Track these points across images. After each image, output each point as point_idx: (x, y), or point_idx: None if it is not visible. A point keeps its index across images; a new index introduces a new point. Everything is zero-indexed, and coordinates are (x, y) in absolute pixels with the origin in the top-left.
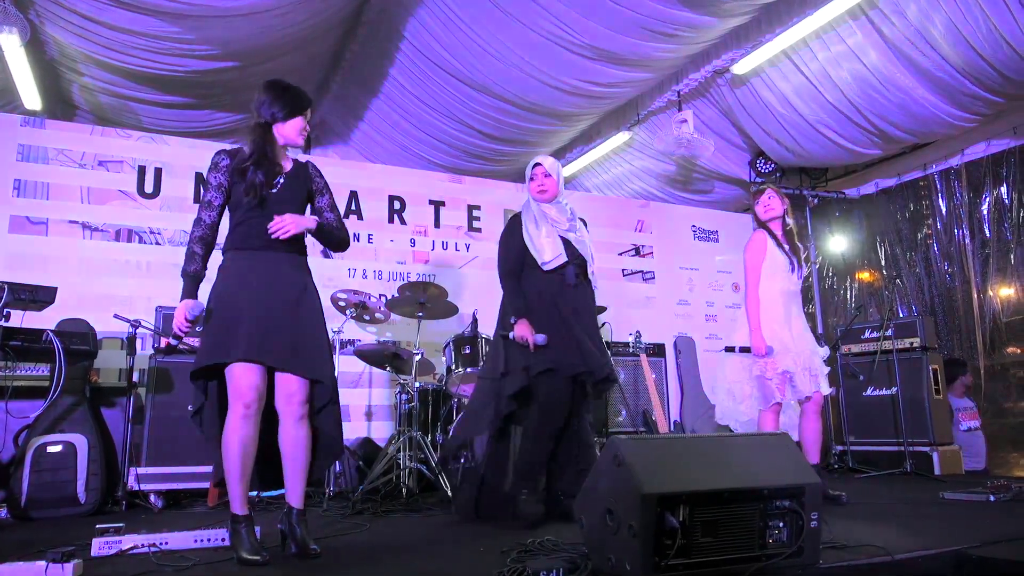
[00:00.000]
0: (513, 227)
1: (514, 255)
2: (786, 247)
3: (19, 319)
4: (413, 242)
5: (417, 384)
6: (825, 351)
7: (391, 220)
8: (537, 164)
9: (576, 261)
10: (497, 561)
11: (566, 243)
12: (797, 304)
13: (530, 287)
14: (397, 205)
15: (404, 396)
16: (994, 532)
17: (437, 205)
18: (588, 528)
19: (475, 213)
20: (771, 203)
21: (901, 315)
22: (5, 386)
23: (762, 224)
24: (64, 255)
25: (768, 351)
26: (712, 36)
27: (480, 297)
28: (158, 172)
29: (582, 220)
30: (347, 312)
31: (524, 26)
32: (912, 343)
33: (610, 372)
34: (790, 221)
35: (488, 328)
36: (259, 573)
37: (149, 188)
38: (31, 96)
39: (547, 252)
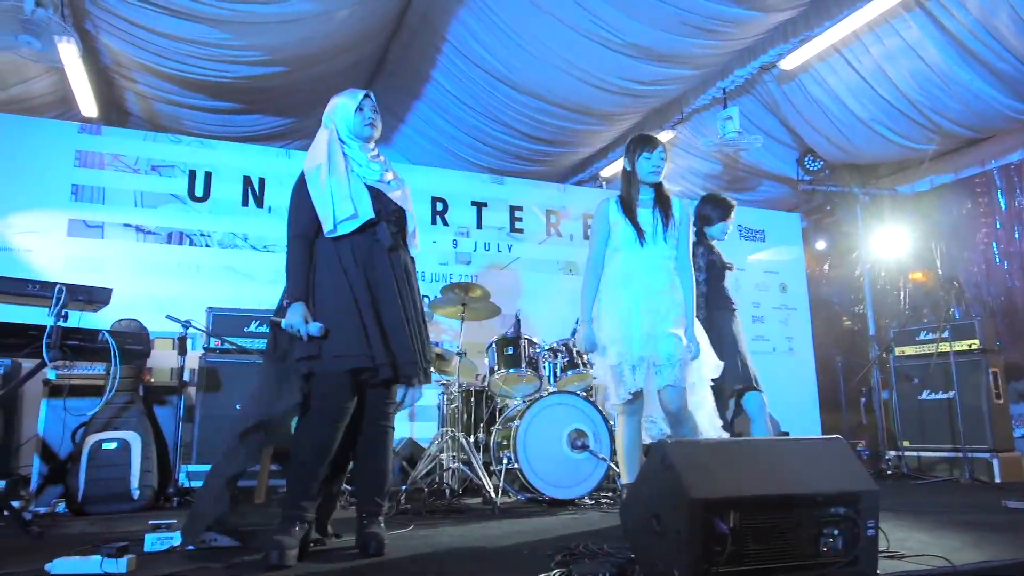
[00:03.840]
0: (301, 183)
1: (307, 214)
2: (642, 216)
3: (76, 320)
4: (455, 243)
5: (460, 385)
6: (682, 342)
7: (433, 221)
8: (367, 95)
9: (390, 217)
10: (542, 564)
11: (376, 194)
12: (659, 281)
13: (319, 256)
14: (439, 206)
15: (447, 397)
16: None
17: (479, 206)
18: (634, 532)
19: (517, 214)
20: (662, 164)
21: (956, 317)
22: (63, 384)
23: (625, 190)
24: (119, 257)
25: (591, 347)
26: (757, 31)
27: (523, 298)
28: (207, 176)
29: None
30: None
31: (565, 25)
32: (971, 345)
33: (407, 372)
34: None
35: (530, 329)
36: (301, 570)
37: (199, 192)
38: (88, 104)
39: (344, 207)
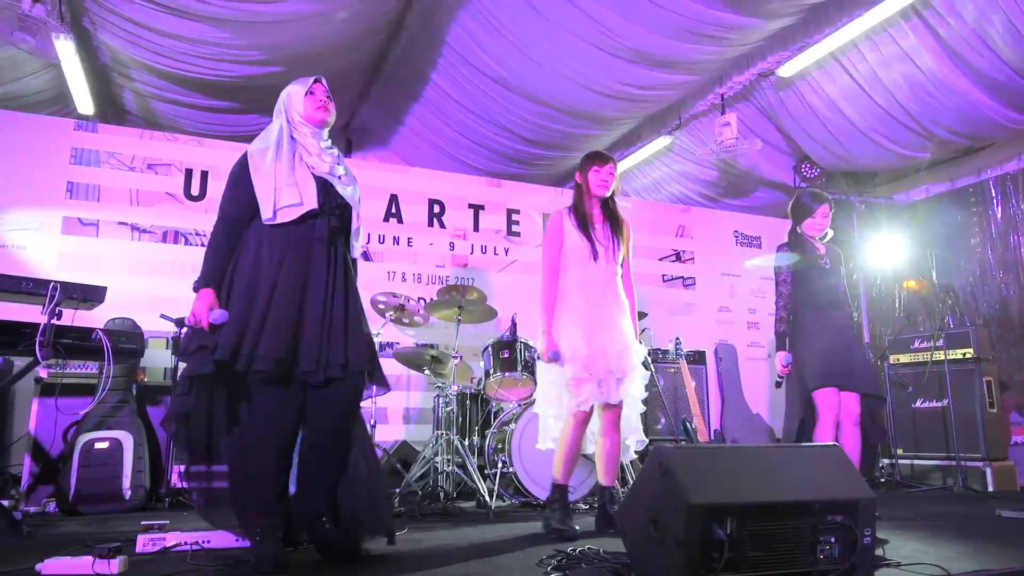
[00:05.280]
0: (243, 164)
1: (245, 196)
2: (595, 231)
3: (70, 318)
4: (452, 245)
5: (455, 388)
6: (643, 350)
7: (431, 224)
8: (318, 80)
9: (333, 211)
10: (537, 569)
11: (324, 185)
12: (611, 296)
13: (244, 242)
14: (437, 209)
15: (442, 400)
16: None
17: (476, 209)
18: (631, 538)
19: (514, 217)
20: (611, 179)
21: (951, 325)
22: (56, 383)
23: (578, 201)
24: (113, 255)
25: (554, 356)
26: (757, 38)
27: (519, 301)
28: (204, 175)
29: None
30: (386, 315)
31: (565, 30)
32: (965, 354)
33: (333, 372)
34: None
35: (527, 333)
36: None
37: (196, 191)
38: (84, 101)
39: (288, 194)
